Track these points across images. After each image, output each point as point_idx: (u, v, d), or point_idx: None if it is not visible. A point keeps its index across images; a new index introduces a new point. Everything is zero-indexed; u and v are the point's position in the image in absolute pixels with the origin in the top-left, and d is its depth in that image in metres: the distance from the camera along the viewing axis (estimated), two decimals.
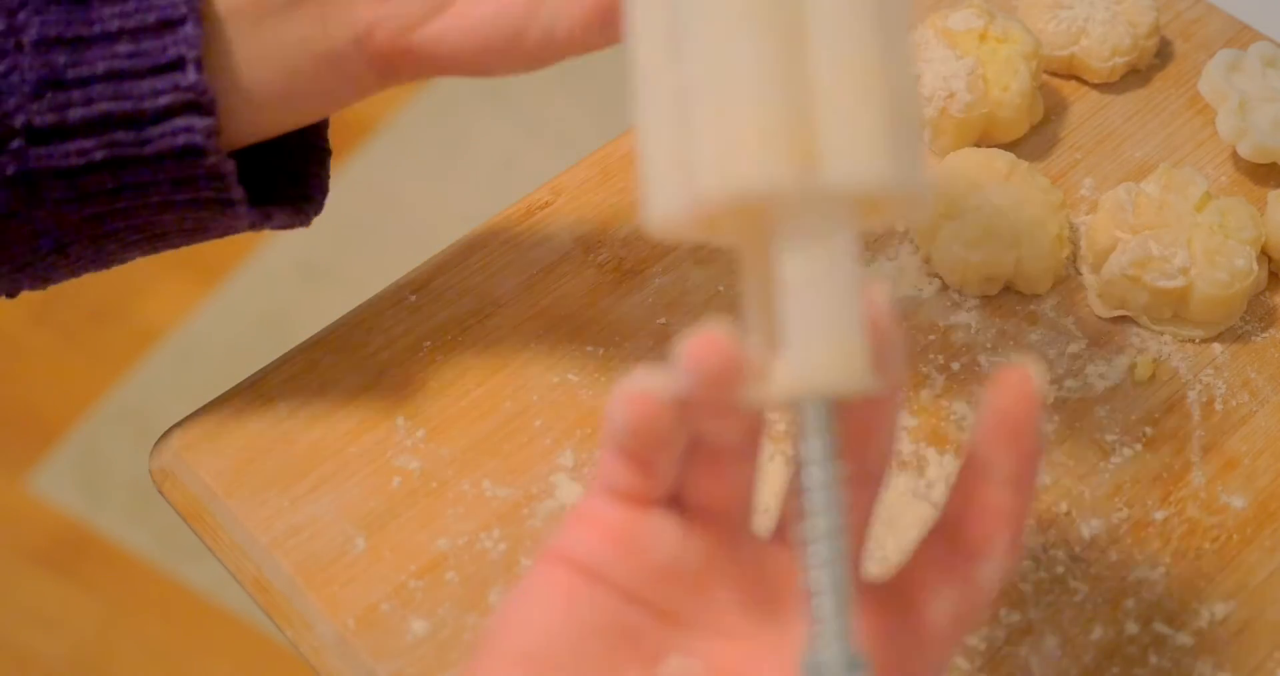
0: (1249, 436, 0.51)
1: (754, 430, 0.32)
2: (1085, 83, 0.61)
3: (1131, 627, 0.46)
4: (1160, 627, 0.46)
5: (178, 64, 0.37)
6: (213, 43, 0.38)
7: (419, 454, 0.49)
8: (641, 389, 0.31)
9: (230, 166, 0.38)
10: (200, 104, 0.37)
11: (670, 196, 0.30)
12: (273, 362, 0.52)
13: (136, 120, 0.37)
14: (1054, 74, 0.61)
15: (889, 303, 0.30)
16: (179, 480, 0.49)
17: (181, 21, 0.37)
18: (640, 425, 0.31)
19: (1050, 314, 0.54)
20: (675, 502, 0.33)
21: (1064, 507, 0.49)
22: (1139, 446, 0.50)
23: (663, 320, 0.53)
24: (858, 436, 0.32)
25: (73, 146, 0.37)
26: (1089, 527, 0.48)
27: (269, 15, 0.38)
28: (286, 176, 0.45)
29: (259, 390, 0.51)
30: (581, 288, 0.54)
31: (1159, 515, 0.49)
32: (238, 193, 0.39)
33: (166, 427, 0.50)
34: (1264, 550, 0.48)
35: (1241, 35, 0.63)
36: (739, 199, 0.28)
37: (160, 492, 0.50)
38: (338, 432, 0.50)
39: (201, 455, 0.49)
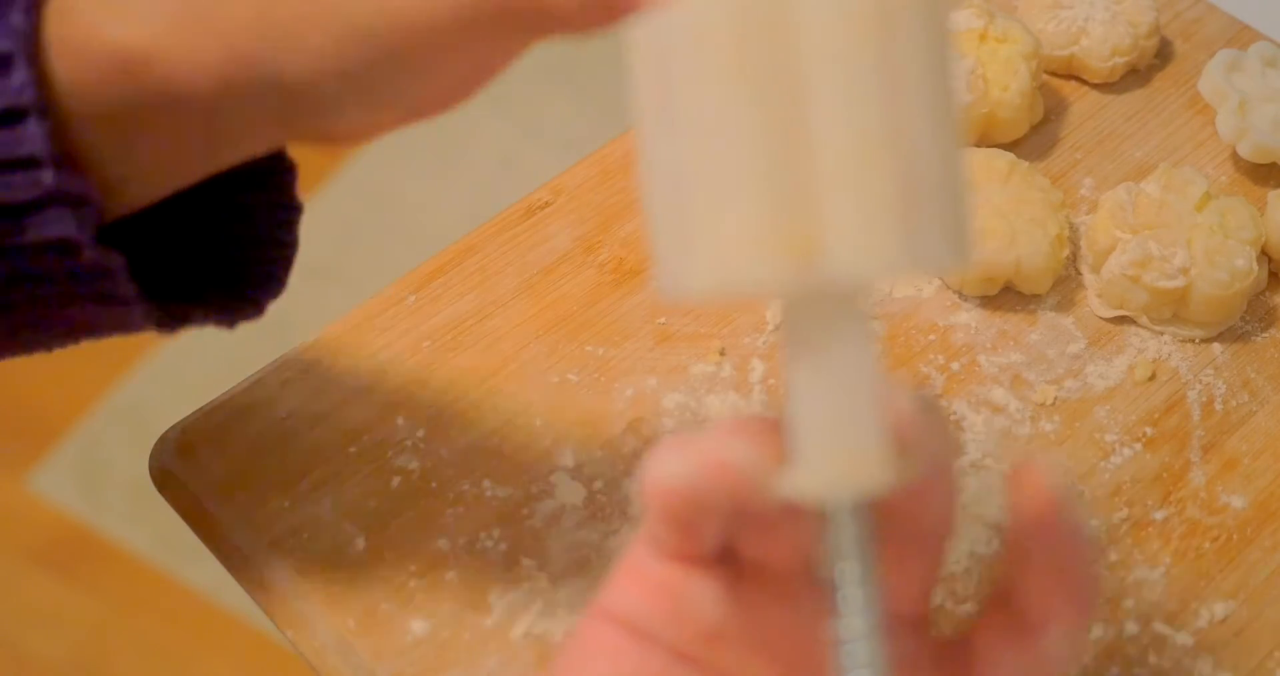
0: (1249, 436, 0.51)
1: None
2: (1085, 83, 0.61)
3: (1131, 627, 0.46)
4: (1160, 627, 0.46)
5: (32, 162, 0.32)
6: (76, 134, 0.33)
7: (419, 454, 0.49)
8: (663, 481, 0.29)
9: (115, 262, 0.34)
10: (69, 197, 0.33)
11: (671, 277, 0.27)
12: (273, 362, 0.52)
13: (8, 211, 0.33)
14: (1054, 74, 0.61)
15: (911, 394, 0.28)
16: (179, 480, 0.49)
17: (24, 115, 0.32)
18: (668, 514, 0.30)
19: (1050, 314, 0.54)
20: (728, 556, 0.32)
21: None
22: (1139, 446, 0.50)
23: (663, 320, 0.53)
24: (912, 501, 0.30)
25: None
26: (1089, 528, 0.48)
27: (177, 118, 0.33)
28: (233, 265, 0.39)
29: (259, 390, 0.51)
30: (581, 288, 0.54)
31: (1159, 515, 0.49)
32: (128, 290, 0.35)
33: (166, 427, 0.50)
34: (1264, 550, 0.48)
35: (1241, 35, 0.63)
36: (730, 295, 0.27)
37: (160, 492, 0.50)
38: (338, 432, 0.50)
39: (201, 455, 0.49)
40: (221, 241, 0.39)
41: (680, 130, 0.26)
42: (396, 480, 0.49)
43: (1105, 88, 0.61)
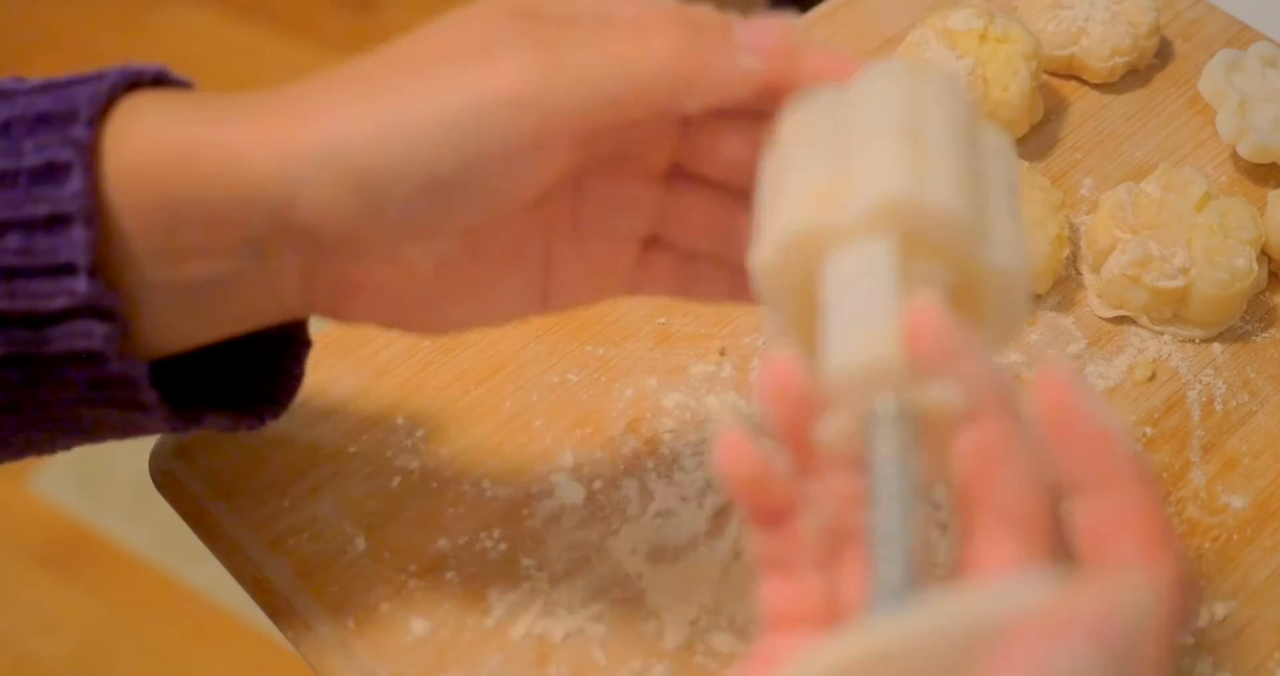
0: (1249, 436, 0.51)
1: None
2: (1085, 83, 0.61)
3: None
4: None
5: (69, 268, 0.33)
6: (115, 245, 0.34)
7: (419, 454, 0.49)
8: (725, 429, 0.31)
9: (140, 371, 0.35)
10: (99, 310, 0.34)
11: (752, 267, 0.33)
12: None
13: (34, 320, 0.34)
14: (1054, 74, 0.61)
15: (939, 308, 0.29)
16: (179, 480, 0.49)
17: (69, 221, 0.33)
18: (728, 462, 0.30)
19: (1050, 314, 0.54)
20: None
21: (1064, 508, 0.49)
22: (1139, 446, 0.50)
23: (663, 320, 0.53)
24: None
25: None
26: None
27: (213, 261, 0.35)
28: (248, 368, 0.42)
29: None
30: None
31: None
32: (150, 397, 0.36)
33: None
34: (1264, 550, 0.48)
35: (1241, 35, 0.63)
36: (788, 253, 0.31)
37: (160, 492, 0.50)
38: (338, 432, 0.50)
39: (201, 455, 0.49)
40: (235, 361, 0.41)
41: (773, 168, 0.34)
42: (396, 480, 0.49)
43: (1105, 88, 0.61)
